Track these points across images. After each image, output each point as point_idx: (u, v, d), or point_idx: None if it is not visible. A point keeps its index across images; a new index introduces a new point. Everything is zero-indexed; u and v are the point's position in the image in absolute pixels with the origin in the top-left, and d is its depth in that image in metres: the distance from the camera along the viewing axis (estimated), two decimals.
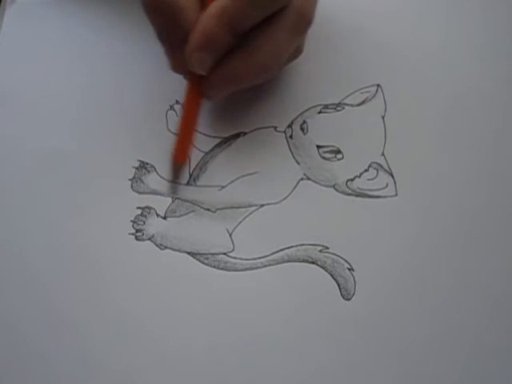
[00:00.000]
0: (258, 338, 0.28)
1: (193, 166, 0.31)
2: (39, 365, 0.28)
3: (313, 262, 0.29)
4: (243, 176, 0.31)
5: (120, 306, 0.29)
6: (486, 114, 0.31)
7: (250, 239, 0.29)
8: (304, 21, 0.27)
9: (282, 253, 0.29)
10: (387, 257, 0.29)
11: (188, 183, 0.31)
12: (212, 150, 0.31)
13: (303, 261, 0.29)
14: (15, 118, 0.33)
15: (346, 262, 0.29)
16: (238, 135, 0.32)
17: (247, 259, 0.29)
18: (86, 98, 0.33)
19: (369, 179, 0.30)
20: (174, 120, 0.32)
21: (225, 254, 0.29)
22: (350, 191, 0.30)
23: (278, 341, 0.28)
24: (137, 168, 0.31)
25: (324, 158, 0.31)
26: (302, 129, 0.31)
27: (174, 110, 0.32)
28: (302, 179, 0.30)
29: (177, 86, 0.32)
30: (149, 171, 0.31)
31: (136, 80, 0.33)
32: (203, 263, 0.29)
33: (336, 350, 0.27)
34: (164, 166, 0.31)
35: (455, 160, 0.30)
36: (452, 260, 0.29)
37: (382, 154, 0.31)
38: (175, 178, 0.31)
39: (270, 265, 0.29)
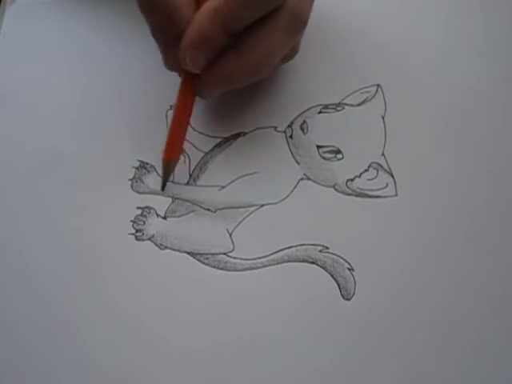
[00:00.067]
0: (258, 338, 0.28)
1: (193, 166, 0.31)
2: (39, 365, 0.28)
3: (313, 262, 0.29)
4: (243, 176, 0.31)
5: (120, 306, 0.28)
6: (486, 113, 0.31)
7: (250, 239, 0.29)
8: (299, 22, 0.27)
9: (281, 253, 0.29)
10: (387, 257, 0.29)
11: (188, 183, 0.31)
12: (212, 150, 0.31)
13: (303, 261, 0.29)
14: (15, 118, 0.33)
15: (346, 262, 0.29)
16: (237, 135, 0.32)
17: (247, 259, 0.29)
18: (85, 98, 0.33)
19: (369, 179, 0.30)
20: None
21: (225, 253, 0.29)
22: (349, 191, 0.30)
23: (278, 341, 0.28)
24: (137, 168, 0.31)
25: (324, 158, 0.31)
26: (302, 129, 0.31)
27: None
28: (302, 179, 0.30)
29: (177, 86, 0.32)
30: (149, 171, 0.31)
31: (136, 80, 0.33)
32: (203, 263, 0.29)
33: (336, 350, 0.27)
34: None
35: (455, 160, 0.30)
36: (452, 260, 0.29)
37: (382, 154, 0.31)
38: (166, 178, 0.30)
39: (270, 265, 0.29)
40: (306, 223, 0.30)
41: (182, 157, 0.31)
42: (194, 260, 0.29)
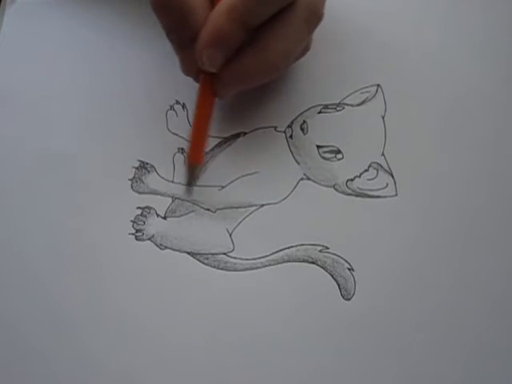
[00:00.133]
0: (258, 338, 0.28)
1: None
2: (39, 365, 0.28)
3: (313, 262, 0.29)
4: (243, 176, 0.31)
5: (120, 306, 0.29)
6: (486, 113, 0.31)
7: (250, 239, 0.29)
8: (314, 16, 0.27)
9: (281, 253, 0.29)
10: (387, 257, 0.29)
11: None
12: (212, 149, 0.31)
13: (303, 261, 0.29)
14: (15, 118, 0.33)
15: (346, 262, 0.29)
16: (237, 135, 0.32)
17: (247, 259, 0.29)
18: (85, 98, 0.33)
19: (369, 179, 0.30)
20: (174, 120, 0.32)
21: (225, 254, 0.29)
22: (349, 191, 0.30)
23: (278, 341, 0.28)
24: (137, 168, 0.31)
25: (324, 158, 0.31)
26: (302, 129, 0.31)
27: (174, 110, 0.32)
28: (302, 179, 0.30)
29: (177, 86, 0.32)
30: (149, 171, 0.31)
31: (136, 80, 0.33)
32: (203, 263, 0.29)
33: (336, 350, 0.27)
34: (164, 166, 0.31)
35: (455, 160, 0.30)
36: (452, 260, 0.29)
37: (382, 154, 0.31)
38: (191, 180, 0.30)
39: (270, 265, 0.29)
40: (306, 223, 0.30)
41: (182, 157, 0.31)
42: (194, 260, 0.29)
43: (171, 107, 0.32)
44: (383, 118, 0.31)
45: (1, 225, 0.30)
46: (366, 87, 0.32)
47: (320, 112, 0.32)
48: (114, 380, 0.27)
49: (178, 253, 0.29)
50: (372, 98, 0.32)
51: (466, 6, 0.34)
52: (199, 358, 0.28)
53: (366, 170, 0.30)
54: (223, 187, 0.31)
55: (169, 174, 0.31)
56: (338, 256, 0.29)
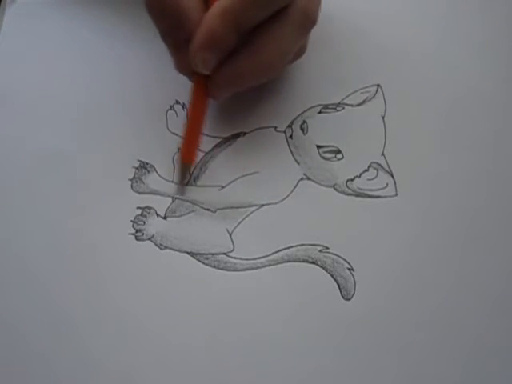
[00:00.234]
0: (258, 338, 0.28)
1: (193, 166, 0.31)
2: (39, 365, 0.28)
3: (313, 262, 0.29)
4: (243, 176, 0.31)
5: (120, 306, 0.28)
6: (486, 113, 0.31)
7: (250, 239, 0.29)
8: (309, 19, 0.27)
9: (282, 253, 0.29)
10: (387, 257, 0.29)
11: (188, 183, 0.31)
12: (212, 150, 0.31)
13: (303, 261, 0.29)
14: (15, 118, 0.33)
15: (346, 262, 0.29)
16: (237, 135, 0.32)
17: (247, 259, 0.29)
18: (85, 98, 0.33)
19: (369, 179, 0.30)
20: (174, 120, 0.32)
21: (225, 253, 0.29)
22: (350, 191, 0.30)
23: (278, 341, 0.28)
24: (137, 168, 0.31)
25: (324, 158, 0.31)
26: (302, 129, 0.31)
27: (174, 109, 0.32)
28: (302, 179, 0.30)
29: (177, 86, 0.32)
30: (149, 171, 0.31)
31: (136, 80, 0.33)
32: (203, 263, 0.29)
33: (336, 349, 0.27)
34: (164, 166, 0.31)
35: (455, 160, 0.30)
36: (452, 260, 0.29)
37: (382, 154, 0.31)
38: (182, 179, 0.30)
39: (270, 265, 0.29)
40: (306, 223, 0.30)
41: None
42: (194, 260, 0.29)
43: (171, 107, 0.32)
44: (383, 118, 0.31)
45: (1, 225, 0.30)
46: (366, 87, 0.32)
47: (320, 112, 0.32)
48: (114, 380, 0.27)
49: (178, 253, 0.29)
50: (372, 98, 0.32)
51: (464, 6, 0.34)
52: (199, 358, 0.28)
53: (366, 170, 0.30)
54: (223, 187, 0.31)
55: (169, 174, 0.31)
56: (338, 256, 0.29)
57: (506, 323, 0.28)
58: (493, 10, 0.34)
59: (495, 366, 0.27)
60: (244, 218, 0.30)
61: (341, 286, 0.28)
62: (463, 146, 0.31)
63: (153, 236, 0.30)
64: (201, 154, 0.31)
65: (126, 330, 0.28)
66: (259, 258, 0.29)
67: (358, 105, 0.32)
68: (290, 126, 0.31)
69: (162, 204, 0.30)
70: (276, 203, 0.30)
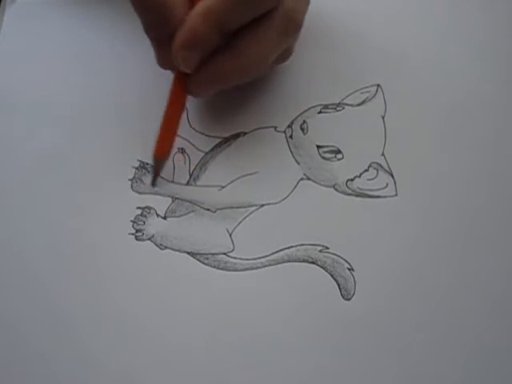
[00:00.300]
0: (258, 338, 0.28)
1: (193, 166, 0.31)
2: (39, 365, 0.28)
3: (313, 262, 0.29)
4: (243, 176, 0.31)
5: (120, 306, 0.28)
6: (486, 114, 0.31)
7: (250, 239, 0.29)
8: (293, 24, 0.27)
9: (282, 253, 0.29)
10: (387, 257, 0.29)
11: (188, 183, 0.31)
12: (212, 149, 0.31)
13: (303, 261, 0.29)
14: (15, 118, 0.33)
15: (346, 262, 0.29)
16: (237, 135, 0.32)
17: (247, 259, 0.29)
18: (85, 98, 0.33)
19: (369, 179, 0.30)
20: None
21: (225, 253, 0.29)
22: (350, 191, 0.30)
23: (278, 341, 0.28)
24: (137, 168, 0.31)
25: (324, 158, 0.31)
26: (302, 129, 0.31)
27: None
28: (302, 179, 0.30)
29: None
30: (149, 171, 0.31)
31: (136, 80, 0.33)
32: (203, 263, 0.29)
33: (336, 349, 0.27)
34: (164, 166, 0.31)
35: (455, 160, 0.30)
36: (452, 260, 0.29)
37: (382, 154, 0.31)
38: (156, 175, 0.30)
39: (270, 265, 0.29)
40: (306, 223, 0.30)
41: (182, 157, 0.31)
42: (194, 260, 0.29)
43: None
44: (383, 118, 0.31)
45: (1, 225, 0.30)
46: (366, 87, 0.32)
47: (320, 112, 0.32)
48: (114, 380, 0.27)
49: (178, 253, 0.29)
50: (372, 97, 0.32)
51: (465, 6, 0.34)
52: (199, 358, 0.28)
53: (366, 170, 0.30)
54: (223, 187, 0.31)
55: (169, 174, 0.31)
56: (338, 256, 0.29)
57: (506, 323, 0.28)
58: (494, 9, 0.34)
59: (495, 366, 0.27)
60: (244, 218, 0.30)
61: (341, 286, 0.28)
62: (463, 146, 0.31)
63: (153, 236, 0.30)
64: (201, 154, 0.31)
65: (125, 330, 0.28)
66: (259, 257, 0.29)
67: (358, 105, 0.32)
68: (290, 125, 0.31)
69: (161, 204, 0.30)
70: (276, 203, 0.30)
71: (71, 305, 0.29)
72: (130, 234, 0.30)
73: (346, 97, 0.32)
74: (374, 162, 0.30)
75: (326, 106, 0.32)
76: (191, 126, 0.32)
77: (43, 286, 0.29)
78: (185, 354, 0.28)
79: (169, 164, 0.31)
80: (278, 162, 0.31)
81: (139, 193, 0.31)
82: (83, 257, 0.29)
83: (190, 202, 0.30)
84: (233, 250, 0.29)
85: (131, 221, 0.30)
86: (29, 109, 0.33)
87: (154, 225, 0.30)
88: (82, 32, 0.35)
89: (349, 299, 0.28)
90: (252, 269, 0.29)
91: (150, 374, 0.27)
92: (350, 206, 0.30)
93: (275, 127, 0.32)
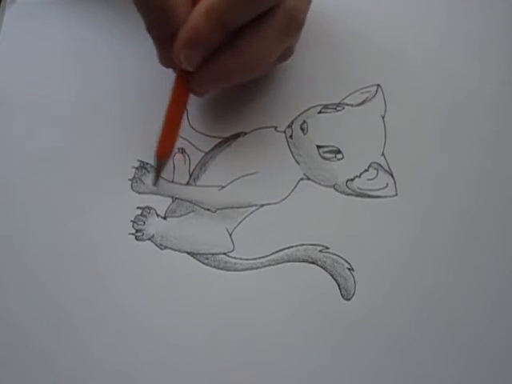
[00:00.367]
0: (258, 338, 0.28)
1: (193, 166, 0.31)
2: (39, 365, 0.28)
3: (313, 262, 0.29)
4: (243, 176, 0.31)
5: (120, 306, 0.28)
6: (486, 113, 0.31)
7: (250, 239, 0.29)
8: (295, 22, 0.27)
9: (281, 253, 0.29)
10: (387, 257, 0.29)
11: (188, 183, 0.31)
12: (212, 149, 0.31)
13: (303, 261, 0.29)
14: (15, 118, 0.33)
15: (346, 262, 0.29)
16: (237, 135, 0.32)
17: (247, 259, 0.29)
18: (85, 97, 0.33)
19: (369, 179, 0.30)
20: None
21: (225, 253, 0.29)
22: (350, 191, 0.30)
23: (278, 341, 0.28)
24: (137, 168, 0.31)
25: (324, 158, 0.31)
26: (302, 129, 0.31)
27: None
28: (302, 179, 0.30)
29: None
30: (149, 171, 0.31)
31: (137, 80, 0.33)
32: (203, 263, 0.29)
33: (336, 349, 0.27)
34: (166, 166, 0.31)
35: (455, 160, 0.30)
36: (452, 260, 0.29)
37: (382, 154, 0.31)
38: (158, 175, 0.30)
39: (270, 265, 0.29)
40: (306, 223, 0.30)
41: (182, 157, 0.31)
42: (194, 260, 0.29)
43: None
44: (383, 118, 0.31)
45: (1, 225, 0.30)
46: (366, 87, 0.32)
47: (320, 112, 0.32)
48: (114, 380, 0.27)
49: (178, 253, 0.29)
50: (372, 97, 0.32)
51: (465, 5, 0.34)
52: (199, 358, 0.28)
53: (366, 170, 0.30)
54: (223, 187, 0.31)
55: (169, 174, 0.31)
56: (338, 256, 0.29)
57: (506, 323, 0.28)
58: (493, 8, 0.34)
59: (495, 366, 0.27)
60: (244, 218, 0.30)
61: (341, 286, 0.28)
62: (463, 146, 0.31)
63: (153, 236, 0.30)
64: (201, 154, 0.31)
65: (126, 330, 0.28)
66: (259, 257, 0.29)
67: (358, 105, 0.32)
68: (290, 126, 0.31)
69: (161, 204, 0.30)
70: (276, 203, 0.30)
71: (71, 305, 0.29)
72: (129, 234, 0.30)
73: (346, 97, 0.32)
74: (374, 162, 0.30)
75: (326, 106, 0.32)
76: (191, 126, 0.32)
77: (43, 286, 0.29)
78: (185, 354, 0.28)
79: (169, 164, 0.31)
80: (278, 162, 0.31)
81: (139, 193, 0.31)
82: (83, 257, 0.29)
83: (190, 201, 0.30)
84: (233, 249, 0.29)
85: (131, 221, 0.30)
86: (29, 109, 0.33)
87: (153, 225, 0.30)
88: (81, 32, 0.35)
89: (349, 299, 0.28)
90: (252, 269, 0.29)
91: (150, 374, 0.27)
92: (350, 205, 0.30)
93: (275, 127, 0.32)
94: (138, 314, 0.28)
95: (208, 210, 0.30)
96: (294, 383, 0.27)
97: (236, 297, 0.28)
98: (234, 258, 0.29)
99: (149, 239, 0.30)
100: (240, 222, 0.30)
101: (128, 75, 0.33)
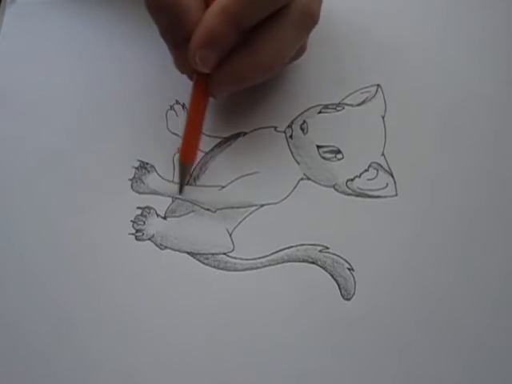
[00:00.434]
0: (258, 338, 0.28)
1: (193, 166, 0.31)
2: (39, 365, 0.28)
3: (313, 262, 0.29)
4: (243, 176, 0.31)
5: (120, 306, 0.28)
6: (486, 113, 0.31)
7: (250, 239, 0.29)
8: (309, 19, 0.27)
9: (281, 253, 0.29)
10: (387, 257, 0.29)
11: (188, 183, 0.31)
12: (212, 150, 0.31)
13: (303, 261, 0.29)
14: (15, 118, 0.33)
15: (346, 262, 0.29)
16: (237, 135, 0.32)
17: (247, 259, 0.29)
18: (85, 97, 0.33)
19: (369, 179, 0.30)
20: (174, 120, 0.32)
21: (225, 253, 0.29)
22: (349, 191, 0.30)
23: (278, 341, 0.28)
24: (137, 168, 0.31)
25: (324, 158, 0.31)
26: (302, 129, 0.31)
27: (173, 109, 0.32)
28: (302, 179, 0.30)
29: (177, 85, 0.32)
30: (149, 171, 0.31)
31: (136, 80, 0.33)
32: (203, 263, 0.29)
33: (336, 349, 0.27)
34: (164, 166, 0.31)
35: (455, 160, 0.30)
36: (452, 260, 0.29)
37: (382, 154, 0.31)
38: (182, 180, 0.30)
39: (270, 265, 0.29)
40: (306, 223, 0.30)
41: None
42: (194, 260, 0.29)
43: (171, 107, 0.32)
44: (383, 118, 0.31)
45: (1, 224, 0.30)
46: (366, 87, 0.32)
47: (320, 112, 0.32)
48: (114, 380, 0.27)
49: (178, 253, 0.29)
50: (372, 97, 0.32)
51: (464, 5, 0.34)
52: (199, 358, 0.28)
53: (366, 170, 0.30)
54: (223, 187, 0.31)
55: (169, 174, 0.31)
56: (338, 256, 0.29)
57: (506, 323, 0.28)
58: (493, 7, 0.34)
59: (495, 366, 0.27)
60: (244, 218, 0.30)
61: (341, 286, 0.28)
62: (463, 146, 0.31)
63: (153, 236, 0.30)
64: (201, 154, 0.31)
65: (126, 330, 0.28)
66: (259, 257, 0.29)
67: (358, 105, 0.32)
68: (289, 125, 0.31)
69: (162, 204, 0.30)
70: (276, 203, 0.30)
71: (71, 305, 0.29)
72: (129, 234, 0.30)
73: (346, 97, 0.32)
74: (374, 162, 0.30)
75: (326, 106, 0.32)
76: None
77: (43, 286, 0.29)
78: (185, 353, 0.28)
79: (169, 164, 0.31)
80: (278, 162, 0.31)
81: (139, 193, 0.31)
82: (83, 257, 0.29)
83: (190, 202, 0.30)
84: (233, 250, 0.29)
85: (131, 221, 0.30)
86: (29, 109, 0.33)
87: (153, 225, 0.30)
88: (82, 32, 0.35)
89: (349, 299, 0.28)
90: (252, 269, 0.29)
91: (150, 374, 0.27)
92: (350, 206, 0.30)
93: (275, 127, 0.32)
94: (138, 314, 0.28)
95: (208, 210, 0.30)
96: (293, 383, 0.27)
97: (236, 297, 0.28)
98: (234, 257, 0.29)
99: (149, 239, 0.30)
100: (240, 222, 0.30)
101: (128, 75, 0.33)
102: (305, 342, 0.28)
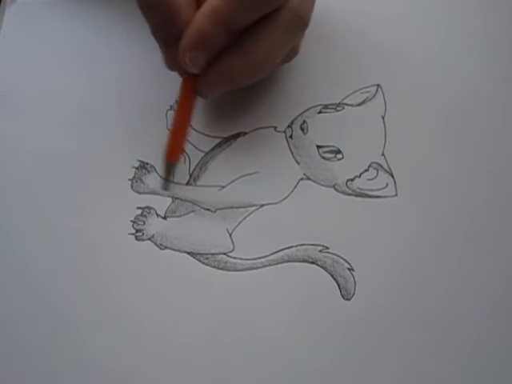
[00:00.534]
0: (258, 338, 0.28)
1: (193, 166, 0.31)
2: (39, 365, 0.28)
3: (313, 262, 0.29)
4: (243, 176, 0.31)
5: (120, 306, 0.29)
6: (486, 113, 0.31)
7: (250, 239, 0.29)
8: (300, 22, 0.27)
9: (281, 253, 0.29)
10: (387, 257, 0.29)
11: (188, 183, 0.31)
12: (212, 149, 0.31)
13: (303, 261, 0.29)
14: (15, 118, 0.33)
15: (346, 262, 0.29)
16: (237, 135, 0.32)
17: (247, 259, 0.29)
18: (86, 97, 0.33)
19: (369, 179, 0.30)
20: None
21: (225, 253, 0.29)
22: (350, 191, 0.30)
23: (278, 341, 0.28)
24: (137, 168, 0.31)
25: (324, 158, 0.31)
26: (302, 129, 0.31)
27: (173, 110, 0.32)
28: (302, 179, 0.30)
29: (177, 86, 0.32)
30: (149, 171, 0.31)
31: (136, 80, 0.33)
32: (203, 263, 0.29)
33: (336, 349, 0.27)
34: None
35: (455, 160, 0.30)
36: (452, 260, 0.29)
37: (382, 154, 0.31)
38: (167, 177, 0.30)
39: (270, 265, 0.29)
40: (306, 223, 0.30)
41: (181, 157, 0.31)
42: (194, 260, 0.29)
43: (171, 107, 0.32)
44: (383, 118, 0.31)
45: (1, 225, 0.30)
46: (366, 87, 0.32)
47: (320, 112, 0.32)
48: (114, 380, 0.27)
49: (178, 253, 0.29)
50: (372, 97, 0.32)
51: (465, 5, 0.34)
52: (199, 358, 0.28)
53: (366, 170, 0.30)
54: (223, 187, 0.31)
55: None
56: (338, 256, 0.29)
57: (506, 323, 0.28)
58: (494, 8, 0.34)
59: (495, 366, 0.27)
60: (244, 218, 0.30)
61: (341, 286, 0.28)
62: (463, 146, 0.31)
63: (153, 236, 0.30)
64: (201, 154, 0.31)
65: (126, 330, 0.28)
66: (259, 257, 0.29)
67: (358, 105, 0.32)
68: (290, 125, 0.32)
69: (161, 204, 0.30)
70: (276, 203, 0.30)
71: (71, 305, 0.29)
72: (129, 234, 0.30)
73: (346, 97, 0.32)
74: (374, 162, 0.30)
75: (326, 106, 0.32)
76: (191, 126, 0.32)
77: (43, 286, 0.29)
78: (185, 354, 0.28)
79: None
80: (278, 162, 0.31)
81: (139, 193, 0.31)
82: (83, 257, 0.29)
83: (190, 201, 0.30)
84: (233, 249, 0.29)
85: (131, 221, 0.30)
86: (29, 109, 0.33)
87: (154, 225, 0.30)
88: (82, 32, 0.35)
89: (349, 299, 0.28)
90: (252, 269, 0.29)
91: (150, 374, 0.27)
92: (350, 206, 0.30)
93: (275, 127, 0.32)
94: (138, 314, 0.28)
95: (208, 209, 0.30)
96: (293, 383, 0.27)
97: (236, 297, 0.28)
98: (234, 258, 0.29)
99: (149, 239, 0.30)
100: (240, 222, 0.30)
101: (128, 75, 0.33)
102: (305, 342, 0.28)
